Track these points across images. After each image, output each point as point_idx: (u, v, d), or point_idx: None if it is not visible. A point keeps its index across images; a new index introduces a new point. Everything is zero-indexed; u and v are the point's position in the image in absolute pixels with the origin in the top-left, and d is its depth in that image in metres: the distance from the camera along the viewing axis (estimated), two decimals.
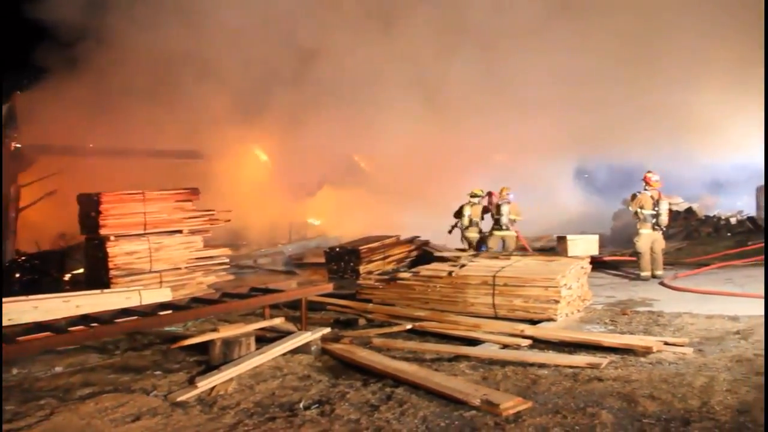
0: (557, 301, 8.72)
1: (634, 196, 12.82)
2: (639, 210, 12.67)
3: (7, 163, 18.61)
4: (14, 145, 19.00)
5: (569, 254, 10.18)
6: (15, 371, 7.26)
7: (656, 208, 12.58)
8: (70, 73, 19.64)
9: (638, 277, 12.55)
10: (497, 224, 14.50)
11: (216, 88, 20.77)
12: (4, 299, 7.55)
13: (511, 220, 14.46)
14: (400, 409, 5.52)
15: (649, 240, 12.55)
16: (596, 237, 11.76)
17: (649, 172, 12.97)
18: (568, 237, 10.69)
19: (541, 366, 6.66)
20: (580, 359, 6.76)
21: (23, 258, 16.34)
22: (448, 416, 5.32)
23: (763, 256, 13.71)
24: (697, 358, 6.70)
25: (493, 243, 14.47)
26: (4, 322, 6.94)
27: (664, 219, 12.66)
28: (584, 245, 10.77)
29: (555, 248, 12.31)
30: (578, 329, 8.34)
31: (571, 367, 6.54)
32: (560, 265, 9.54)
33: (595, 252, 11.58)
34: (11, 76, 19.34)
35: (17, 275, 15.35)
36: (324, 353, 7.65)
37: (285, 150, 23.11)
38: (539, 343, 7.70)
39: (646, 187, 12.79)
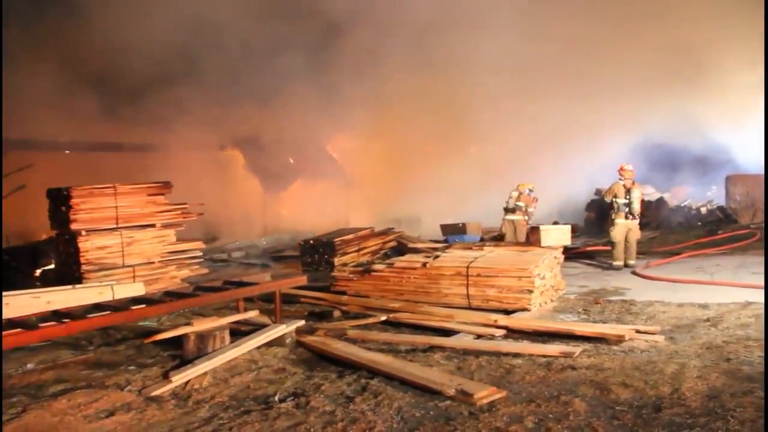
0: (531, 291, 8.79)
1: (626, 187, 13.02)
2: (613, 199, 12.83)
3: None
4: None
5: (542, 244, 10.23)
6: None
7: (628, 197, 12.74)
8: (38, 65, 19.33)
9: (611, 267, 12.69)
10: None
11: (186, 78, 20.62)
12: None
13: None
14: (375, 400, 5.54)
15: (624, 229, 12.71)
16: (569, 227, 11.84)
17: (624, 163, 13.18)
18: (541, 227, 10.74)
19: (515, 356, 6.71)
20: (554, 348, 6.82)
21: None
22: (423, 406, 5.34)
23: (731, 245, 13.96)
24: (669, 346, 6.80)
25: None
26: None
27: (636, 207, 12.83)
28: (557, 235, 10.82)
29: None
30: (552, 319, 8.41)
31: (544, 356, 6.60)
32: (533, 255, 9.61)
33: (568, 242, 11.65)
34: None
35: None
36: (299, 346, 7.64)
37: (258, 142, 23.02)
38: (513, 333, 7.77)
39: (620, 178, 12.94)
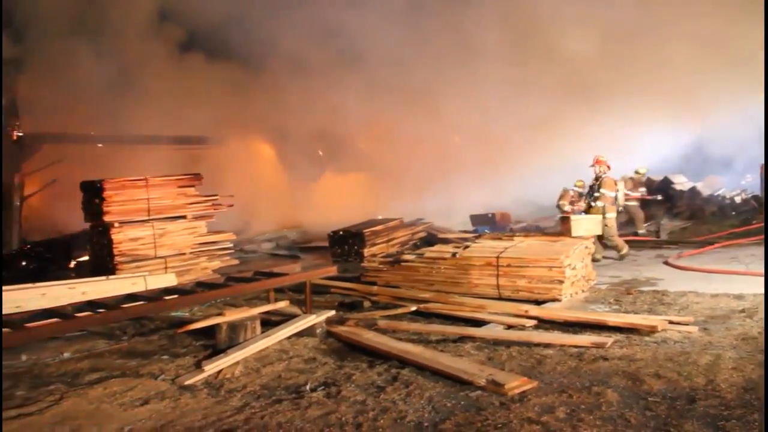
0: (561, 282, 8.73)
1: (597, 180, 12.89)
2: (607, 192, 12.75)
3: (10, 152, 18.63)
4: (17, 134, 18.98)
5: (573, 234, 10.16)
6: (24, 357, 7.31)
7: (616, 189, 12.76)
8: (72, 59, 19.56)
9: (621, 258, 12.55)
10: None
11: (217, 73, 20.73)
12: (11, 287, 7.58)
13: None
14: (406, 390, 5.54)
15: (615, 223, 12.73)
16: (600, 217, 11.76)
17: (601, 156, 13.01)
18: (572, 217, 10.68)
19: (546, 346, 6.68)
20: (585, 339, 6.77)
21: (29, 246, 16.40)
22: (454, 396, 5.34)
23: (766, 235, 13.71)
24: (703, 337, 6.71)
25: None
26: (12, 310, 6.98)
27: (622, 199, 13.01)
28: (588, 225, 10.76)
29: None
30: (583, 309, 8.34)
31: (576, 346, 6.56)
32: (564, 245, 9.54)
33: (599, 232, 11.59)
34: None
35: (23, 263, 15.41)
36: (329, 336, 7.68)
37: (288, 135, 23.08)
38: (544, 324, 7.72)
39: (604, 170, 12.80)
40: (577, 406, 4.93)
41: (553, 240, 10.18)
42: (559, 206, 16.33)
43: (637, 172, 17.38)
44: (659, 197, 18.42)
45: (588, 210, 12.67)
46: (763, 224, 15.67)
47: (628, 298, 8.91)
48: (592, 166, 12.87)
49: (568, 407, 4.92)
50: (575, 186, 16.72)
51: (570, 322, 7.62)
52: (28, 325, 6.30)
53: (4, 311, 6.91)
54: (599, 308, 8.47)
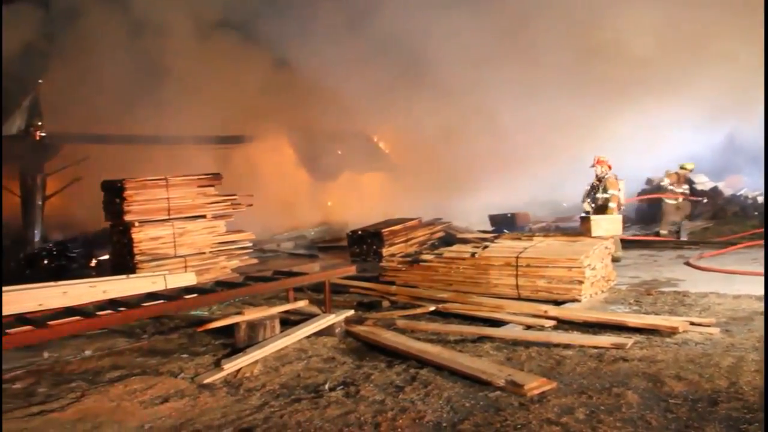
0: (581, 282, 8.68)
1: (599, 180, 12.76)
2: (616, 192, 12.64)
3: (33, 152, 18.82)
4: (39, 134, 19.17)
5: (593, 234, 10.10)
6: (46, 355, 7.40)
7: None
8: (92, 59, 19.72)
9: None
10: None
11: (238, 72, 20.82)
12: (34, 285, 7.66)
13: None
14: (425, 390, 5.54)
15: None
16: (620, 217, 11.67)
17: (601, 156, 12.88)
18: (592, 217, 10.60)
19: (566, 347, 6.65)
20: (605, 340, 6.73)
21: (51, 245, 16.56)
22: (473, 397, 5.33)
23: None
24: (725, 339, 6.64)
25: None
26: (35, 308, 7.05)
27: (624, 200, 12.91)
28: (608, 225, 10.68)
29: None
30: (603, 310, 8.29)
31: (595, 347, 6.52)
32: (584, 245, 9.49)
33: (619, 232, 11.51)
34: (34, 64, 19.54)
35: (45, 262, 15.58)
36: (348, 335, 7.69)
37: (306, 134, 23.13)
38: (563, 324, 7.68)
39: (606, 170, 12.68)
40: (596, 407, 4.91)
41: (573, 240, 10.13)
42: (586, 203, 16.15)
43: (683, 167, 16.94)
44: (704, 200, 18.04)
45: (593, 211, 12.59)
46: None
47: (648, 299, 8.84)
48: (593, 166, 12.75)
49: (587, 408, 4.89)
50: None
51: (590, 322, 7.58)
52: (50, 322, 6.36)
53: (27, 309, 6.99)
54: (619, 309, 8.41)
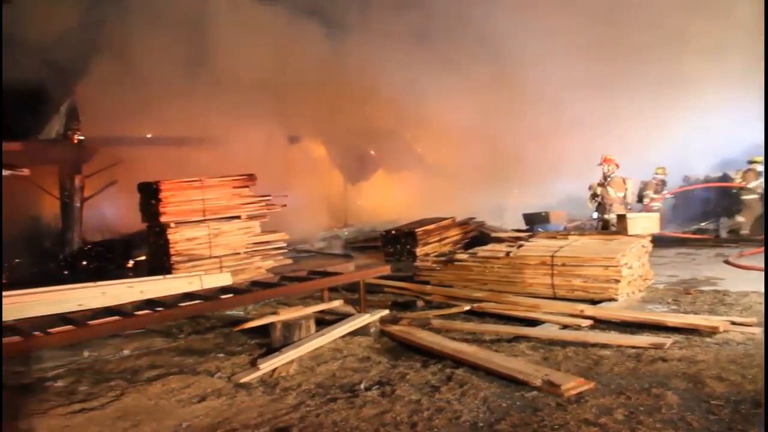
0: (618, 281, 8.58)
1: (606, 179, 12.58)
2: (615, 192, 12.45)
3: (71, 155, 19.14)
4: (77, 137, 19.48)
5: (629, 233, 9.96)
6: (86, 354, 7.52)
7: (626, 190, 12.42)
8: (129, 62, 19.98)
9: None
10: None
11: (269, 72, 20.93)
12: (73, 286, 7.78)
13: None
14: (461, 389, 5.52)
15: None
16: (657, 215, 11.50)
17: (609, 155, 12.69)
18: (628, 215, 10.46)
19: (603, 346, 6.57)
20: (643, 339, 6.64)
21: (89, 246, 16.83)
22: (509, 397, 5.29)
23: None
24: None
25: None
26: (75, 308, 7.17)
27: (633, 198, 12.67)
28: (645, 223, 10.52)
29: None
30: (640, 309, 8.18)
31: (633, 347, 6.44)
32: (620, 244, 9.37)
33: (656, 230, 11.33)
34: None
35: (84, 263, 15.83)
36: (383, 335, 7.69)
37: (339, 134, 23.17)
38: (600, 324, 7.59)
39: (613, 170, 12.50)
40: (635, 407, 4.84)
41: (609, 239, 10.00)
42: (642, 197, 16.07)
43: (752, 161, 16.52)
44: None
45: (599, 210, 12.45)
46: None
47: (687, 298, 8.71)
48: (600, 164, 12.60)
49: (626, 409, 4.83)
50: (656, 174, 16.44)
51: (627, 322, 7.48)
52: (90, 322, 6.47)
53: (68, 309, 7.10)
54: (657, 308, 8.29)
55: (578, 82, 20.79)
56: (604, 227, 12.47)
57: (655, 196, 16.75)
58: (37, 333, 5.98)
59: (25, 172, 5.01)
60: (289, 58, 21.59)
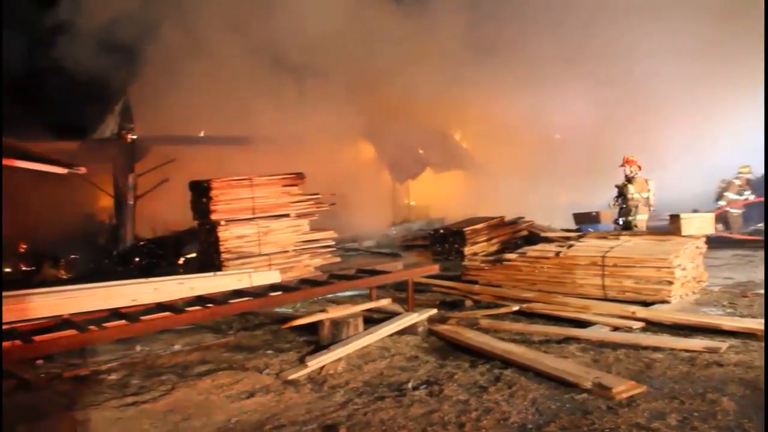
0: (671, 282, 8.40)
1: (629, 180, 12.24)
2: (639, 194, 12.10)
3: (125, 154, 19.55)
4: (130, 137, 19.89)
5: (683, 233, 9.75)
6: (138, 348, 7.66)
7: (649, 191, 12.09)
8: (180, 63, 20.31)
9: None
10: None
11: (318, 72, 21.04)
12: (127, 281, 7.93)
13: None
14: (509, 390, 5.47)
15: (644, 226, 12.07)
16: (711, 215, 11.23)
17: (631, 156, 12.35)
18: (682, 215, 10.22)
19: (655, 349, 6.45)
20: (698, 343, 6.49)
21: (142, 243, 17.16)
22: (559, 399, 5.23)
23: None
24: None
25: None
26: (128, 303, 7.31)
27: (654, 200, 12.36)
28: (699, 224, 10.28)
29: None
30: (694, 312, 8.00)
31: (687, 351, 6.30)
32: (674, 244, 9.18)
33: (711, 231, 11.05)
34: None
35: (136, 259, 16.15)
36: (431, 334, 7.67)
37: (387, 133, 23.17)
38: (652, 326, 7.47)
39: (635, 170, 12.17)
40: (689, 413, 4.74)
41: (662, 239, 9.81)
42: (722, 196, 15.74)
43: None
44: None
45: (621, 213, 12.18)
46: None
47: (743, 301, 8.49)
48: (622, 166, 12.32)
49: (680, 414, 4.73)
50: (740, 172, 16.03)
51: (680, 324, 7.34)
52: (142, 317, 6.58)
53: (121, 304, 7.24)
54: (712, 311, 8.10)
55: (635, 79, 20.44)
56: (626, 229, 12.21)
57: (735, 197, 16.18)
58: (92, 327, 6.11)
59: (82, 170, 5.15)
60: (340, 57, 21.68)
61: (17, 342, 5.88)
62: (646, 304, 8.35)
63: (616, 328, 7.43)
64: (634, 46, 20.43)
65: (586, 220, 17.80)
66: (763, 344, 6.40)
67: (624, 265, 8.82)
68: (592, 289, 9.01)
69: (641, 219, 12.16)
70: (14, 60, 18.41)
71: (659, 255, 8.69)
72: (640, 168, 12.27)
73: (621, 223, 12.42)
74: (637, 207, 12.11)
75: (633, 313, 7.80)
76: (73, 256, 17.04)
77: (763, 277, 10.25)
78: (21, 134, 12.50)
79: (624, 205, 12.22)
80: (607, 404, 5.02)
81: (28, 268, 15.83)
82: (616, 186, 12.52)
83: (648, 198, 12.20)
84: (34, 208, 17.99)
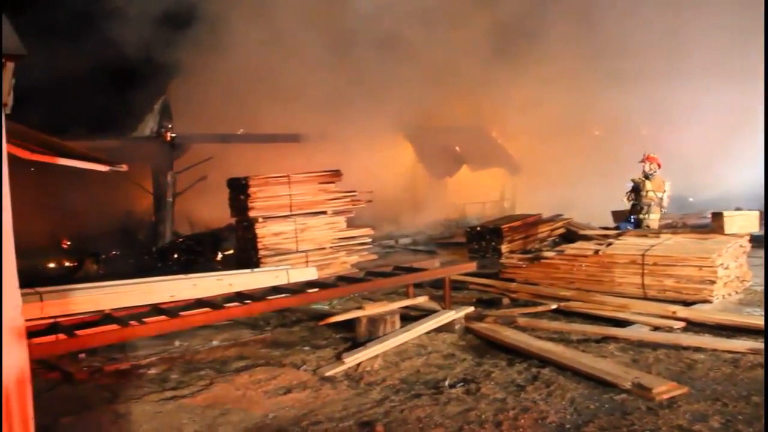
0: (713, 282, 8.25)
1: (647, 178, 11.93)
2: (654, 193, 11.79)
3: (164, 152, 19.81)
4: (169, 135, 20.13)
5: (726, 232, 9.56)
6: (177, 343, 7.74)
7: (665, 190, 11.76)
8: (217, 62, 20.51)
9: None
10: None
11: (355, 70, 21.08)
12: (166, 277, 8.04)
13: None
14: (547, 389, 5.42)
15: (657, 225, 11.76)
16: (756, 213, 10.98)
17: (652, 154, 12.04)
18: (725, 213, 10.03)
19: (697, 350, 6.34)
20: (741, 344, 6.37)
21: (180, 240, 17.37)
22: (598, 399, 5.17)
23: None
24: None
25: None
26: (168, 298, 7.40)
27: (669, 201, 12.04)
28: (743, 222, 10.07)
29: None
30: (737, 312, 7.85)
31: (730, 352, 6.18)
32: (716, 243, 9.00)
33: (755, 229, 10.82)
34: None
35: (175, 256, 16.35)
36: (468, 332, 7.64)
37: (425, 130, 23.14)
38: (693, 326, 7.33)
39: (655, 169, 11.87)
40: (733, 416, 4.65)
41: (704, 237, 9.63)
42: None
43: None
44: None
45: (634, 210, 11.94)
46: None
47: None
48: (642, 162, 12.04)
49: (723, 417, 4.64)
50: None
51: (723, 325, 7.20)
52: (182, 313, 6.66)
53: (161, 299, 7.34)
54: (756, 311, 7.92)
55: (675, 73, 20.13)
56: (637, 227, 11.96)
57: None
58: (133, 322, 6.21)
59: (124, 168, 5.24)
60: (378, 55, 21.70)
61: (61, 336, 5.99)
62: (686, 303, 8.21)
63: (656, 328, 7.32)
64: (680, 41, 20.09)
65: (625, 218, 17.55)
66: None
67: (664, 263, 8.68)
68: (632, 287, 8.88)
69: (654, 219, 11.91)
70: (56, 58, 18.74)
71: (701, 253, 8.54)
72: (659, 166, 12.03)
73: (633, 220, 12.20)
74: (650, 206, 11.89)
75: (674, 312, 7.67)
76: (113, 253, 17.32)
77: None
78: (62, 133, 12.71)
79: (637, 202, 12.00)
80: (647, 405, 4.95)
81: (71, 264, 16.12)
82: (632, 180, 12.28)
83: (662, 198, 11.96)
84: (77, 206, 18.35)
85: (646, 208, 11.95)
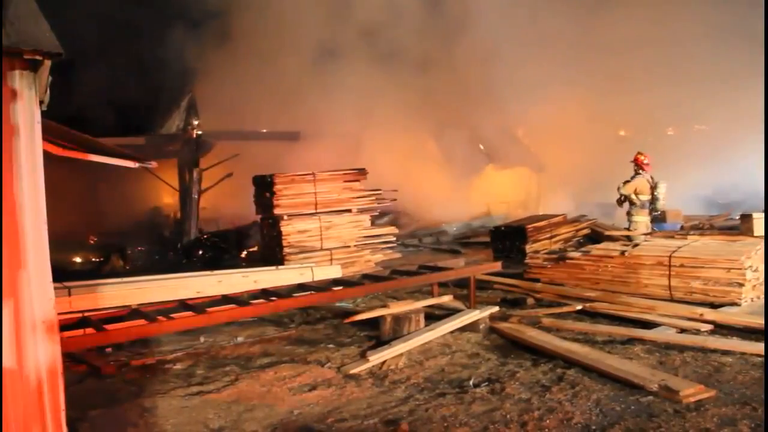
0: (741, 284, 8.15)
1: (626, 182, 11.70)
2: (635, 196, 11.54)
3: (190, 149, 19.96)
4: (195, 132, 20.28)
5: (755, 234, 9.44)
6: (202, 339, 7.80)
7: (655, 192, 11.48)
8: (243, 59, 20.63)
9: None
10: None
11: (381, 68, 21.09)
12: (192, 274, 8.11)
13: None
14: (573, 390, 5.40)
15: (645, 228, 11.49)
16: None
17: (640, 153, 11.79)
18: (754, 215, 9.91)
19: (725, 353, 6.28)
20: None
21: (205, 236, 17.49)
22: (623, 400, 5.14)
23: None
24: None
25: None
26: (194, 294, 7.47)
27: (664, 203, 11.72)
28: None
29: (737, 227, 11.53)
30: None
31: (759, 355, 6.10)
32: (744, 245, 8.89)
33: None
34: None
35: (200, 252, 16.48)
36: (492, 332, 7.63)
37: (449, 129, 23.08)
38: (721, 329, 7.26)
39: (640, 171, 11.62)
40: (762, 421, 4.59)
41: (732, 239, 9.52)
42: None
43: None
44: None
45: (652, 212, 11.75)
46: None
47: None
48: (643, 171, 11.76)
49: (752, 421, 4.59)
50: None
51: (752, 328, 7.11)
52: (209, 309, 6.73)
53: (187, 295, 7.41)
54: None
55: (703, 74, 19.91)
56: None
57: None
58: (160, 318, 6.28)
59: (153, 164, 5.30)
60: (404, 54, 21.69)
61: (90, 330, 6.08)
62: (714, 306, 8.13)
63: (682, 330, 7.26)
64: (710, 41, 19.86)
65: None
66: None
67: (692, 265, 8.60)
68: (658, 289, 8.81)
69: (637, 221, 11.65)
70: (87, 58, 18.98)
71: (729, 256, 8.44)
72: (644, 168, 11.76)
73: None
74: (632, 207, 11.67)
75: (701, 314, 7.59)
76: (139, 248, 17.48)
77: None
78: (91, 129, 12.88)
79: (635, 204, 11.78)
80: (674, 408, 4.92)
81: (98, 260, 16.31)
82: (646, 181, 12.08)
83: (647, 201, 11.69)
84: (104, 202, 18.55)
85: (630, 209, 11.77)
